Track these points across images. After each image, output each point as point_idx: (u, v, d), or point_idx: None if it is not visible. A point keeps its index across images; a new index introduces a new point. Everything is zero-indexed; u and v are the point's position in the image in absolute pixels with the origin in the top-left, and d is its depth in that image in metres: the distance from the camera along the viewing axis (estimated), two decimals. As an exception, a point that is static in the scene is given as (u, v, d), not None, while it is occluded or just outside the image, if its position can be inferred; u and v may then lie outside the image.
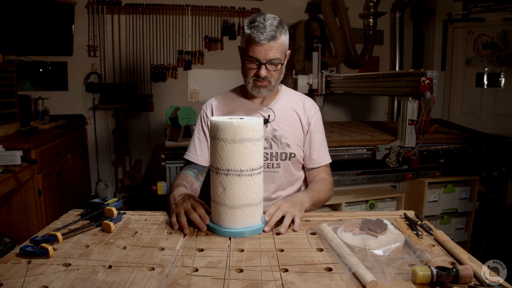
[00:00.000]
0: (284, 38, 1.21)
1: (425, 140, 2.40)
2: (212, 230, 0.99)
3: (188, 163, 1.38)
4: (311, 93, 3.46)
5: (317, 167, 1.39)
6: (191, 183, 1.28)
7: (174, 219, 1.02)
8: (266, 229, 1.00)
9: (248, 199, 0.96)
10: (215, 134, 0.96)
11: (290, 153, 1.34)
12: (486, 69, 4.15)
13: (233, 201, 0.95)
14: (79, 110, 3.83)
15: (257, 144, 0.96)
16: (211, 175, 1.01)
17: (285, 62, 1.27)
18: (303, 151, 1.38)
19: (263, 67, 1.19)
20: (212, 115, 1.37)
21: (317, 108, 1.42)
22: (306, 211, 1.15)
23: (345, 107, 4.57)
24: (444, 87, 4.45)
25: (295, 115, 1.36)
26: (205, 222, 1.00)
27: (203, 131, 1.37)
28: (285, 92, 1.41)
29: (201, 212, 1.01)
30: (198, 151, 1.36)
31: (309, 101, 1.41)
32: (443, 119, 2.67)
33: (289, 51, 1.27)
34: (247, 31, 1.19)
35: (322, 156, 1.39)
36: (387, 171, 2.39)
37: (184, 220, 1.00)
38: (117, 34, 3.88)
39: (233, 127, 0.93)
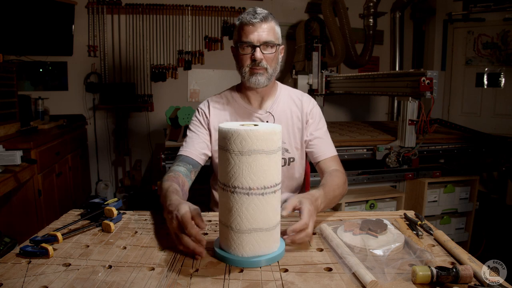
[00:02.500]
0: (275, 26, 1.23)
1: (425, 140, 2.40)
2: (219, 258, 0.84)
3: (181, 158, 1.26)
4: (311, 93, 3.46)
5: (324, 159, 1.32)
6: (182, 184, 1.13)
7: (180, 246, 0.85)
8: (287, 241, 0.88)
9: (258, 223, 0.80)
10: (221, 143, 0.83)
11: (289, 158, 1.33)
12: (486, 69, 4.15)
13: (240, 224, 0.80)
14: (79, 110, 3.83)
15: (271, 157, 0.80)
16: (218, 192, 0.88)
17: (281, 53, 1.28)
18: (304, 151, 1.36)
19: (257, 49, 1.19)
20: (210, 115, 1.33)
21: (314, 103, 1.38)
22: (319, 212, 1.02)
23: (345, 107, 4.57)
24: (444, 87, 4.45)
25: (294, 116, 1.34)
26: (201, 244, 0.83)
27: (202, 125, 1.33)
28: (282, 90, 1.38)
29: (191, 232, 0.83)
30: (196, 145, 1.28)
31: (306, 97, 1.38)
32: (443, 119, 2.67)
33: (283, 46, 1.28)
34: (238, 22, 1.24)
35: (326, 149, 1.33)
36: (387, 171, 2.39)
37: (183, 247, 0.85)
38: (117, 34, 3.88)
39: (241, 136, 0.78)
